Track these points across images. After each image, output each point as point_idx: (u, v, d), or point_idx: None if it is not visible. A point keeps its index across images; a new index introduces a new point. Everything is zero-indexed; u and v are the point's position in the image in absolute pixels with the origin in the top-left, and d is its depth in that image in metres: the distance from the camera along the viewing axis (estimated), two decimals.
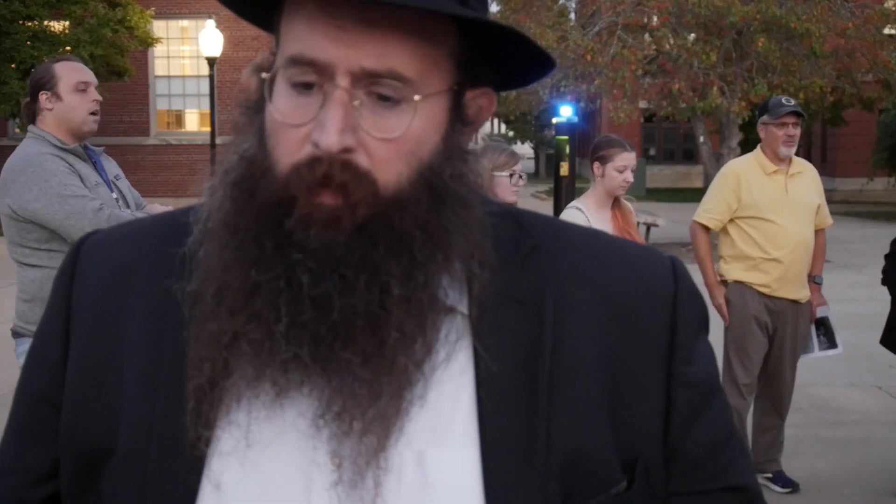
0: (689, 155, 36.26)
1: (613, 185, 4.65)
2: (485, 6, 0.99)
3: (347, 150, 0.90)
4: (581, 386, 0.97)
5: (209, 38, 20.52)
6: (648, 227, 14.58)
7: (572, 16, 20.93)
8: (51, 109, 3.76)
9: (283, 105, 0.93)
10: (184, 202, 1.13)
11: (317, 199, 0.90)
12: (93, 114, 3.78)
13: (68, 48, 18.83)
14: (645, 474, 1.00)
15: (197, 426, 0.93)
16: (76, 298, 1.05)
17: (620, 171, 4.62)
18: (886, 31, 17.33)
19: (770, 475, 5.22)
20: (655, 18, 16.36)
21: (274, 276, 0.91)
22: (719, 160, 15.33)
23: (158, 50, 24.08)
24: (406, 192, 0.92)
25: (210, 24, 20.85)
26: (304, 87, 0.92)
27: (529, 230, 1.04)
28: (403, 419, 0.93)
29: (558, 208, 14.87)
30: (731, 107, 15.74)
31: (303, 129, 0.91)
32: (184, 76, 25.79)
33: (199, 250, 0.96)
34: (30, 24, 19.41)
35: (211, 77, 20.67)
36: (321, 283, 0.89)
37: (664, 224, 15.51)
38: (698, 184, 31.78)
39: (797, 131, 5.14)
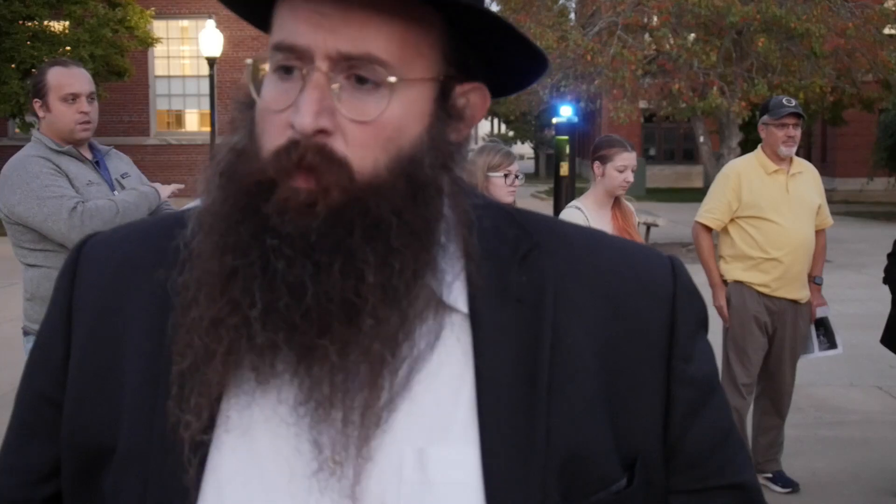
0: (689, 155, 36.26)
1: (613, 184, 4.65)
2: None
3: (323, 131, 0.91)
4: (580, 384, 0.98)
5: (209, 38, 20.52)
6: (648, 227, 14.57)
7: (572, 16, 20.92)
8: (43, 117, 3.83)
9: (268, 92, 0.95)
10: (184, 202, 1.14)
11: (294, 182, 0.91)
12: (82, 123, 3.79)
13: (68, 48, 18.85)
14: (644, 472, 1.00)
15: (178, 411, 0.94)
16: (77, 299, 1.05)
17: (621, 171, 4.62)
18: (886, 31, 17.32)
19: (770, 475, 5.22)
20: (655, 18, 16.35)
21: (249, 261, 0.91)
22: (719, 160, 15.33)
23: (158, 50, 24.08)
24: (383, 178, 0.92)
25: (210, 24, 20.85)
26: (286, 72, 0.93)
27: (528, 229, 1.04)
28: (390, 410, 0.93)
29: (558, 208, 14.87)
30: (731, 107, 15.74)
31: (284, 114, 0.92)
32: (184, 76, 25.80)
33: (193, 242, 0.97)
34: (30, 24, 19.41)
35: (211, 77, 20.67)
36: (296, 269, 0.90)
37: (664, 224, 15.50)
38: (698, 184, 31.81)
39: (797, 132, 5.15)
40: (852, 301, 10.26)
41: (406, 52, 0.93)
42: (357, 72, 0.92)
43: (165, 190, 3.97)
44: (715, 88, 15.63)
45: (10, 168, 3.77)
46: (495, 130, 58.70)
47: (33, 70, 19.16)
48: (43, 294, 3.68)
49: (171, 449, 0.94)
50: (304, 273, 0.90)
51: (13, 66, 18.94)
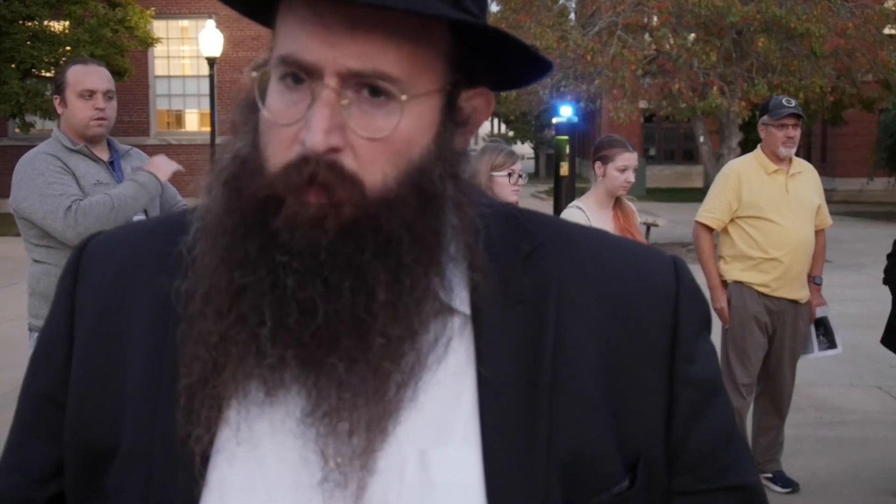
0: (689, 155, 36.26)
1: (614, 185, 4.65)
2: (482, 7, 0.99)
3: (334, 149, 0.90)
4: (583, 384, 0.97)
5: (209, 38, 20.52)
6: (648, 227, 14.56)
7: (572, 16, 20.92)
8: (61, 113, 3.91)
9: (274, 103, 0.94)
10: (190, 202, 1.14)
11: (303, 198, 0.90)
12: (97, 119, 3.84)
13: (68, 48, 18.85)
14: (647, 473, 1.00)
15: (188, 424, 0.94)
16: (80, 299, 1.05)
17: (621, 171, 4.62)
18: (886, 31, 17.32)
19: (770, 475, 5.22)
20: (655, 18, 16.35)
21: (258, 278, 0.90)
22: (719, 160, 15.32)
23: (158, 50, 24.07)
24: (393, 193, 0.91)
25: (210, 24, 20.85)
26: (294, 82, 0.92)
27: (531, 229, 1.04)
28: (393, 421, 0.93)
29: (558, 208, 14.87)
30: (731, 107, 15.74)
31: (292, 128, 0.91)
32: (184, 76, 25.79)
33: (195, 248, 0.97)
34: (30, 24, 19.40)
35: (211, 77, 20.67)
36: (306, 287, 0.89)
37: (664, 224, 15.50)
38: (698, 184, 31.81)
39: (797, 132, 5.15)
40: (852, 301, 10.26)
41: (415, 67, 0.92)
42: (369, 83, 0.91)
43: (165, 171, 3.96)
44: (715, 88, 15.63)
45: (21, 164, 3.85)
46: (495, 130, 58.68)
47: (33, 70, 19.20)
48: (42, 290, 3.73)
49: (179, 459, 0.94)
50: (315, 291, 0.89)
51: (13, 66, 18.94)
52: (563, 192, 15.69)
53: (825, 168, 27.90)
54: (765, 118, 5.19)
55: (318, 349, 0.90)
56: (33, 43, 19.09)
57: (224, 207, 0.94)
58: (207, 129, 23.08)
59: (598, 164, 4.69)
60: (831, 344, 5.44)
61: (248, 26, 22.09)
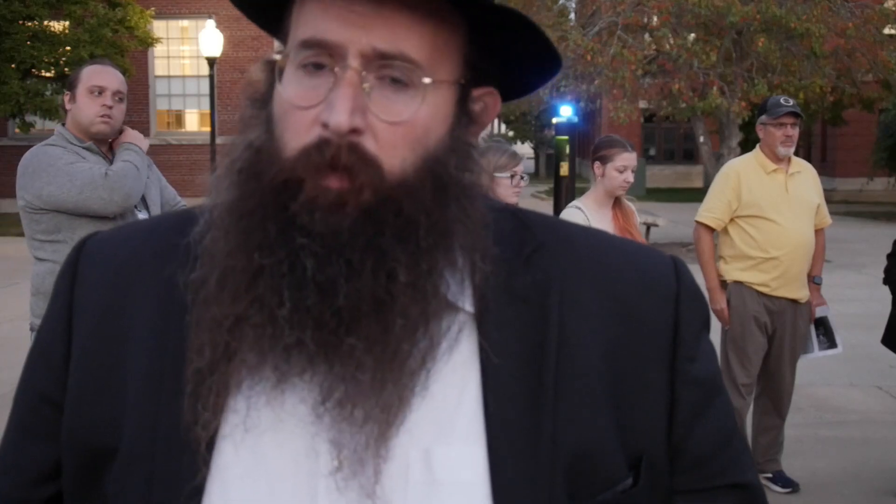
0: (689, 155, 36.26)
1: (613, 185, 4.65)
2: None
3: (356, 130, 0.90)
4: (586, 383, 0.98)
5: (209, 38, 20.51)
6: (648, 227, 14.58)
7: (572, 16, 20.92)
8: (69, 110, 3.92)
9: (293, 89, 0.94)
10: (190, 202, 1.13)
11: (324, 181, 0.90)
12: (103, 116, 3.85)
13: (68, 48, 18.85)
14: (650, 471, 1.00)
15: (194, 410, 0.93)
16: (78, 299, 1.05)
17: (621, 172, 4.63)
18: (886, 31, 17.32)
19: (770, 475, 5.22)
20: (655, 18, 16.34)
21: (277, 259, 0.91)
22: (719, 160, 15.32)
23: (158, 50, 24.06)
24: (411, 178, 0.92)
25: (210, 24, 20.85)
26: (315, 68, 0.93)
27: (533, 229, 1.04)
28: (406, 410, 0.93)
29: (558, 208, 14.87)
30: (731, 107, 15.74)
31: (312, 111, 0.92)
32: (184, 76, 25.78)
33: (205, 239, 0.97)
34: (30, 24, 19.40)
35: (211, 77, 20.66)
36: (326, 268, 0.90)
37: (664, 224, 15.50)
38: (698, 184, 31.81)
39: (795, 131, 5.15)
40: (852, 301, 10.26)
41: (436, 53, 0.93)
42: (390, 73, 0.92)
43: (143, 141, 4.01)
44: (715, 88, 15.63)
45: (30, 157, 3.83)
46: (495, 130, 58.72)
47: (33, 70, 19.20)
48: (47, 290, 3.69)
49: (182, 447, 0.94)
50: (337, 272, 0.90)
51: (13, 66, 18.94)
52: (563, 192, 15.69)
53: (825, 168, 27.91)
54: (763, 118, 5.19)
55: (337, 329, 0.90)
56: (33, 43, 19.08)
57: (239, 194, 0.94)
58: (207, 129, 23.06)
59: (597, 164, 4.70)
60: (831, 343, 5.44)
61: (248, 26, 22.08)
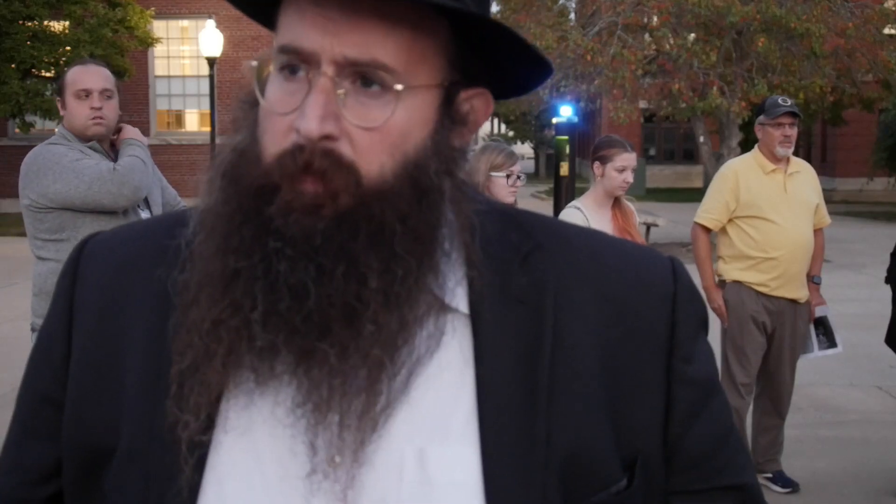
0: (689, 155, 36.26)
1: (613, 185, 4.65)
2: (484, 5, 0.99)
3: (329, 137, 0.90)
4: (581, 384, 0.98)
5: (209, 38, 20.50)
6: (648, 227, 14.58)
7: (572, 16, 20.93)
8: (63, 114, 3.94)
9: (272, 94, 0.95)
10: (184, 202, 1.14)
11: (299, 185, 0.91)
12: (94, 118, 3.85)
13: (68, 48, 18.85)
14: (645, 472, 1.00)
15: (177, 410, 0.94)
16: (78, 299, 1.05)
17: (620, 172, 4.63)
18: (886, 31, 17.32)
19: (770, 475, 5.22)
20: (655, 18, 16.34)
21: (251, 263, 0.91)
22: (719, 160, 15.32)
23: (158, 50, 24.05)
24: (389, 184, 0.92)
25: (210, 24, 20.84)
26: (291, 72, 0.93)
27: (529, 230, 1.04)
28: (385, 415, 0.93)
29: (558, 208, 14.87)
30: (731, 107, 15.74)
31: (288, 117, 0.92)
32: (184, 76, 25.77)
33: (194, 240, 0.97)
34: (30, 24, 19.40)
35: (211, 77, 20.66)
36: (297, 272, 0.90)
37: (664, 224, 15.51)
38: (698, 184, 31.78)
39: (794, 131, 5.15)
40: (852, 301, 10.25)
41: (412, 59, 0.93)
42: (363, 73, 0.92)
43: (141, 137, 4.04)
44: (715, 88, 15.63)
45: (33, 156, 3.83)
46: (495, 130, 58.70)
47: (33, 70, 19.21)
48: (49, 289, 3.70)
49: (169, 448, 0.95)
50: (307, 276, 0.90)
51: (13, 66, 18.94)
52: (563, 193, 15.69)
53: (825, 168, 27.91)
54: (761, 118, 5.19)
55: (308, 334, 0.91)
56: (33, 43, 19.08)
57: (222, 198, 0.95)
58: (207, 129, 23.07)
59: (596, 164, 4.70)
60: (831, 343, 5.44)
61: (248, 26, 22.09)
